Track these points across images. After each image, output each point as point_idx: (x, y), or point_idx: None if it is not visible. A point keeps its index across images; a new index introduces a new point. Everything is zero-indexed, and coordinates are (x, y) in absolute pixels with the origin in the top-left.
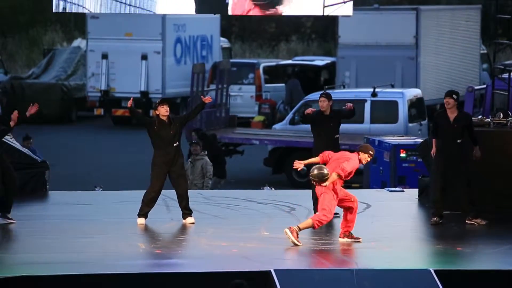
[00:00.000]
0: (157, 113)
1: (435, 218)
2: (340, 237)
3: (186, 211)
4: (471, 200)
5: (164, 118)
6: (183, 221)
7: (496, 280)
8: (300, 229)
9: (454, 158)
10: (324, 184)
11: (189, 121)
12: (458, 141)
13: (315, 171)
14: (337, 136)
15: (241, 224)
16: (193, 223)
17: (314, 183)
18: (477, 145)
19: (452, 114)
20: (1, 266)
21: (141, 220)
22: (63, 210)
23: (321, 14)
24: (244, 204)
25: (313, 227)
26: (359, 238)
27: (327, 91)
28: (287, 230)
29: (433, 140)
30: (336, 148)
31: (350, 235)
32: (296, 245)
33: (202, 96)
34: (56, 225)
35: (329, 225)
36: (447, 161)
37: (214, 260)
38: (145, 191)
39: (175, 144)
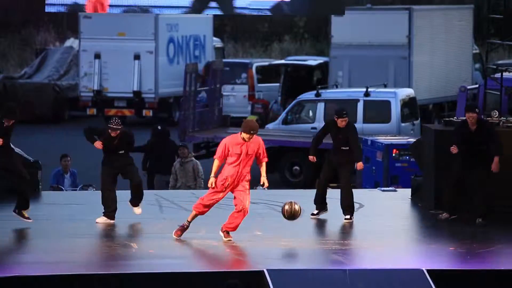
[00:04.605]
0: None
1: (445, 214)
2: (221, 229)
3: (134, 203)
4: (486, 200)
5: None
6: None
7: (488, 280)
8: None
9: (476, 161)
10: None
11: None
12: (480, 148)
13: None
14: (345, 148)
15: None
16: (139, 213)
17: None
18: (498, 155)
19: (473, 126)
20: None
21: (102, 219)
22: (55, 210)
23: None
24: None
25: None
26: (230, 239)
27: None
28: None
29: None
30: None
31: (225, 233)
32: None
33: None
34: (49, 225)
35: (322, 226)
36: (467, 164)
37: (207, 260)
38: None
39: (120, 152)
